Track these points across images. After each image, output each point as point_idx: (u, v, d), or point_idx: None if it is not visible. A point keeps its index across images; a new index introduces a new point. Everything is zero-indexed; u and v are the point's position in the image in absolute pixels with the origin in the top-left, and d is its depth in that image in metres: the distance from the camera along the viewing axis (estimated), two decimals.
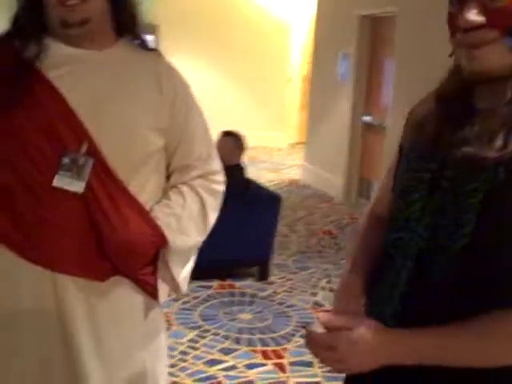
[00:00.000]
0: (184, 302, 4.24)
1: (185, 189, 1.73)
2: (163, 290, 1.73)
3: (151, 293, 1.69)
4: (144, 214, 1.64)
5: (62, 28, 1.56)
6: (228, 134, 4.80)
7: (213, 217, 1.78)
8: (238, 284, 4.65)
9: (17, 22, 1.61)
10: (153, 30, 9.59)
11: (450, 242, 1.11)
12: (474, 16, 1.06)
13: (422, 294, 1.15)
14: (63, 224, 1.54)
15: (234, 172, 4.41)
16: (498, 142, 1.08)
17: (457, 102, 1.18)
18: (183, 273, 1.76)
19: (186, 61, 10.11)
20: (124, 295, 1.65)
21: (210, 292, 4.45)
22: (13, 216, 1.53)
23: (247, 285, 4.64)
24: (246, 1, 10.55)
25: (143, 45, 1.70)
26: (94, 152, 1.55)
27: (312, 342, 1.15)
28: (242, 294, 4.47)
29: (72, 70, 1.58)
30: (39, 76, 1.55)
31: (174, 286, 1.74)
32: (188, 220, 1.71)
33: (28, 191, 1.52)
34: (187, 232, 1.71)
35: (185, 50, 10.24)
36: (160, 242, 1.66)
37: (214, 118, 10.47)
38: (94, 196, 1.55)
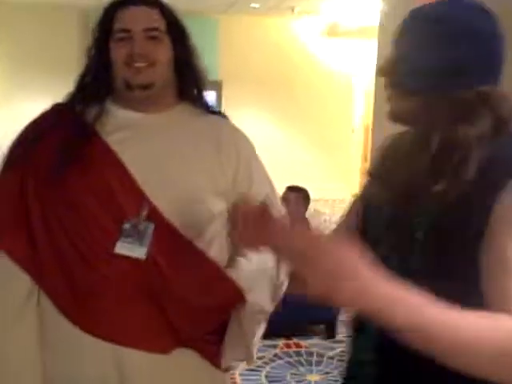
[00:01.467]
0: None
1: None
2: (231, 357, 1.63)
3: (216, 363, 1.60)
4: (218, 273, 1.56)
5: (125, 90, 1.55)
6: (293, 189, 4.81)
7: (284, 277, 1.69)
8: (304, 343, 4.51)
9: (82, 83, 1.62)
10: (216, 85, 9.73)
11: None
12: None
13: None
14: (122, 293, 1.48)
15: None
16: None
17: None
18: (256, 339, 1.67)
19: (249, 115, 10.23)
20: (188, 365, 1.57)
21: (275, 351, 4.33)
22: (70, 287, 1.49)
23: (314, 343, 4.50)
24: (309, 54, 10.62)
25: (205, 108, 1.68)
26: (155, 217, 1.50)
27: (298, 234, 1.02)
28: (309, 354, 4.33)
29: (131, 135, 1.56)
30: (98, 140, 1.54)
31: (247, 353, 1.64)
32: (264, 279, 1.64)
33: (83, 260, 1.48)
34: (264, 292, 1.63)
35: (248, 105, 10.34)
36: (236, 303, 1.57)
37: (278, 170, 10.50)
38: (155, 262, 1.49)
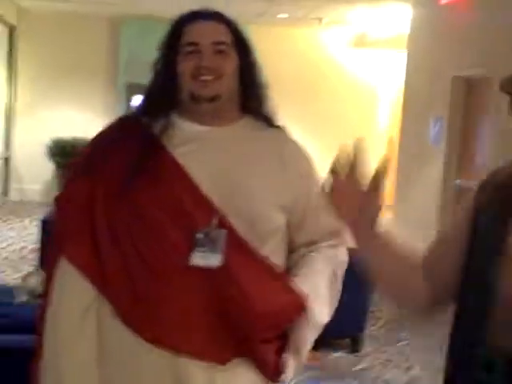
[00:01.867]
0: None
1: (319, 257, 1.67)
2: (292, 367, 1.62)
3: (269, 374, 1.59)
4: (282, 281, 1.58)
5: (191, 103, 1.59)
6: None
7: (340, 288, 1.72)
8: (329, 356, 4.47)
9: (149, 97, 1.66)
10: None
11: None
12: None
13: None
14: (189, 304, 1.50)
15: None
16: None
17: None
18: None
19: None
20: (243, 377, 1.57)
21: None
22: (134, 297, 1.50)
23: (339, 357, 4.47)
24: (336, 64, 10.62)
25: (267, 121, 1.71)
26: (224, 224, 1.53)
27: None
28: (335, 367, 4.29)
29: (197, 148, 1.60)
30: (164, 153, 1.57)
31: (300, 363, 1.64)
32: (327, 291, 1.66)
33: (151, 272, 1.50)
34: (325, 303, 1.65)
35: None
36: (299, 313, 1.58)
37: None
38: (227, 269, 1.51)
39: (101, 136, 1.68)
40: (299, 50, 10.46)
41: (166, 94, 1.62)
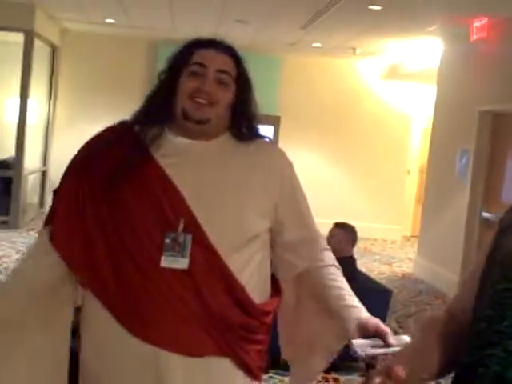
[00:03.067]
0: None
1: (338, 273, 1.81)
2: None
3: (253, 374, 1.71)
4: (242, 292, 1.67)
5: (182, 119, 1.69)
6: (339, 226, 4.80)
7: None
8: (342, 378, 4.52)
9: (148, 106, 1.75)
10: (274, 121, 9.92)
11: None
12: None
13: None
14: (170, 300, 1.61)
15: (345, 264, 4.38)
16: None
17: None
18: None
19: (305, 150, 10.36)
20: (223, 372, 1.67)
21: None
22: (124, 293, 1.62)
23: (352, 379, 4.50)
24: (368, 94, 10.71)
25: (250, 133, 1.78)
26: (193, 228, 1.63)
27: None
28: None
29: (181, 159, 1.70)
30: (152, 161, 1.68)
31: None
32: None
33: (138, 270, 1.61)
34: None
35: (304, 141, 10.48)
36: (262, 322, 1.70)
37: (330, 207, 10.52)
38: (199, 270, 1.62)
39: (96, 137, 1.78)
40: (332, 79, 10.59)
41: (164, 106, 1.71)
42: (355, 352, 1.51)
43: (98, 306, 1.65)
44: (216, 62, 1.69)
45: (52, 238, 1.68)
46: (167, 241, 1.61)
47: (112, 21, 8.97)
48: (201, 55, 1.70)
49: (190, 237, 1.62)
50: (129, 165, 1.66)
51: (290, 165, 1.81)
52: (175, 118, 1.70)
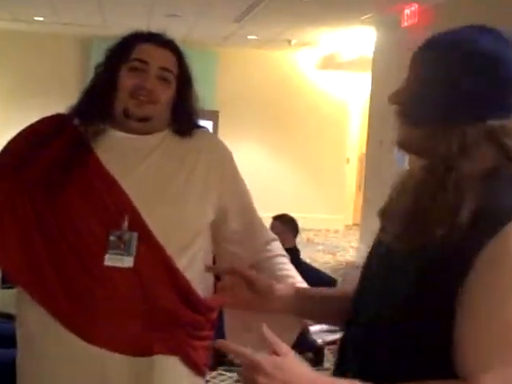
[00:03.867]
0: None
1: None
2: None
3: (197, 369, 1.69)
4: (189, 288, 1.65)
5: (123, 117, 1.65)
6: (277, 218, 4.82)
7: None
8: None
9: (86, 100, 1.70)
10: (212, 115, 9.85)
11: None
12: None
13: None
14: (115, 299, 1.57)
15: (288, 255, 4.38)
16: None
17: None
18: None
19: (244, 144, 10.32)
20: (169, 370, 1.64)
21: None
22: (68, 293, 1.57)
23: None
24: (305, 85, 10.75)
25: (190, 127, 1.77)
26: (138, 226, 1.59)
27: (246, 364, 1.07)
28: None
29: (123, 154, 1.66)
30: (93, 156, 1.63)
31: None
32: None
33: (83, 269, 1.56)
34: None
35: (243, 134, 10.46)
36: (207, 317, 1.69)
37: (271, 199, 10.50)
38: (145, 268, 1.58)
39: (30, 129, 1.71)
40: (268, 71, 10.57)
41: (103, 101, 1.66)
42: (314, 341, 1.61)
43: (32, 304, 1.58)
44: (158, 58, 1.65)
45: None
46: (112, 238, 1.57)
47: (41, 18, 8.73)
48: (141, 50, 1.65)
49: (135, 234, 1.58)
50: (69, 161, 1.60)
51: (229, 154, 1.79)
52: (115, 114, 1.66)
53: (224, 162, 1.76)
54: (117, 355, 1.56)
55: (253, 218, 1.80)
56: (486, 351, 1.03)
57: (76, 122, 1.68)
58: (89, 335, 1.55)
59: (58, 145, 1.63)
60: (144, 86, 1.62)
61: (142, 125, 1.65)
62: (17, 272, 1.60)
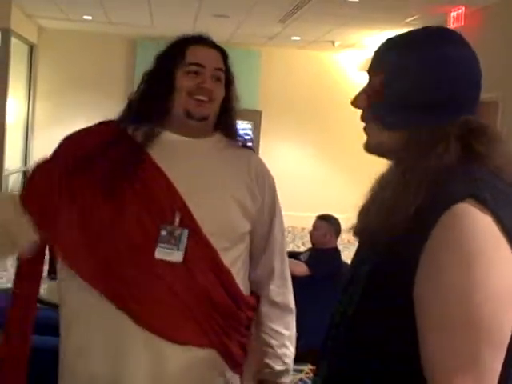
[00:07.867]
0: None
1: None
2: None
3: (236, 369, 1.74)
4: (235, 285, 1.71)
5: (183, 118, 1.71)
6: (323, 218, 4.80)
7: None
8: None
9: (139, 104, 1.77)
10: (255, 116, 9.90)
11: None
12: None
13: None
14: (160, 289, 1.62)
15: (330, 255, 4.41)
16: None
17: None
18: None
19: (286, 144, 10.36)
20: (212, 365, 1.69)
21: (301, 376, 4.38)
22: (123, 284, 1.63)
23: None
24: (347, 85, 10.67)
25: (238, 140, 1.86)
26: (189, 223, 1.65)
27: None
28: None
29: (177, 155, 1.73)
30: (148, 159, 1.70)
31: None
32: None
33: (133, 262, 1.63)
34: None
35: (286, 134, 10.48)
36: (252, 315, 1.77)
37: (312, 200, 10.40)
38: (193, 263, 1.65)
39: (88, 136, 1.78)
40: (311, 72, 10.58)
41: (158, 104, 1.73)
42: None
43: (75, 287, 1.66)
44: (211, 59, 1.74)
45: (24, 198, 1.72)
46: (163, 233, 1.63)
47: (89, 17, 8.91)
48: (195, 54, 1.73)
49: (186, 231, 1.65)
50: (126, 167, 1.67)
51: (272, 178, 1.86)
52: (172, 116, 1.73)
53: (269, 181, 1.83)
54: (164, 341, 1.61)
55: (273, 246, 1.85)
56: (450, 352, 0.98)
57: (130, 127, 1.74)
58: (136, 318, 1.61)
59: (114, 155, 1.69)
60: (203, 86, 1.71)
61: (201, 124, 1.72)
62: (43, 227, 1.69)
